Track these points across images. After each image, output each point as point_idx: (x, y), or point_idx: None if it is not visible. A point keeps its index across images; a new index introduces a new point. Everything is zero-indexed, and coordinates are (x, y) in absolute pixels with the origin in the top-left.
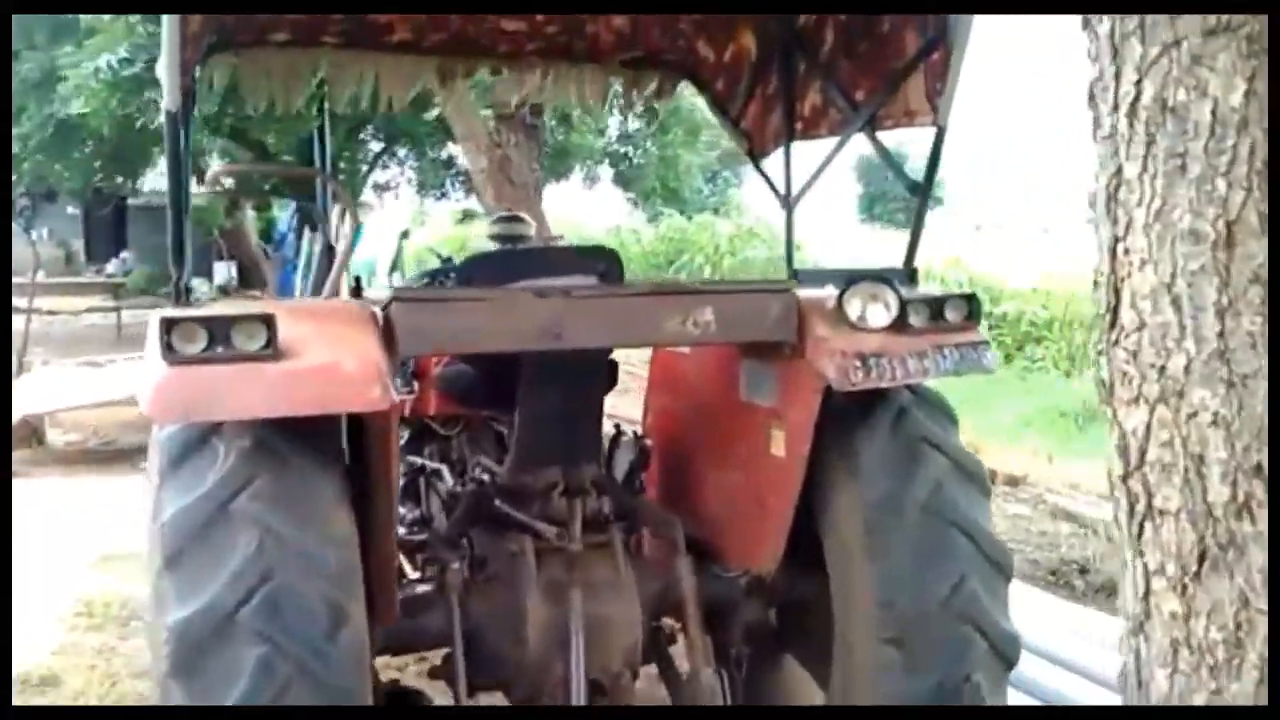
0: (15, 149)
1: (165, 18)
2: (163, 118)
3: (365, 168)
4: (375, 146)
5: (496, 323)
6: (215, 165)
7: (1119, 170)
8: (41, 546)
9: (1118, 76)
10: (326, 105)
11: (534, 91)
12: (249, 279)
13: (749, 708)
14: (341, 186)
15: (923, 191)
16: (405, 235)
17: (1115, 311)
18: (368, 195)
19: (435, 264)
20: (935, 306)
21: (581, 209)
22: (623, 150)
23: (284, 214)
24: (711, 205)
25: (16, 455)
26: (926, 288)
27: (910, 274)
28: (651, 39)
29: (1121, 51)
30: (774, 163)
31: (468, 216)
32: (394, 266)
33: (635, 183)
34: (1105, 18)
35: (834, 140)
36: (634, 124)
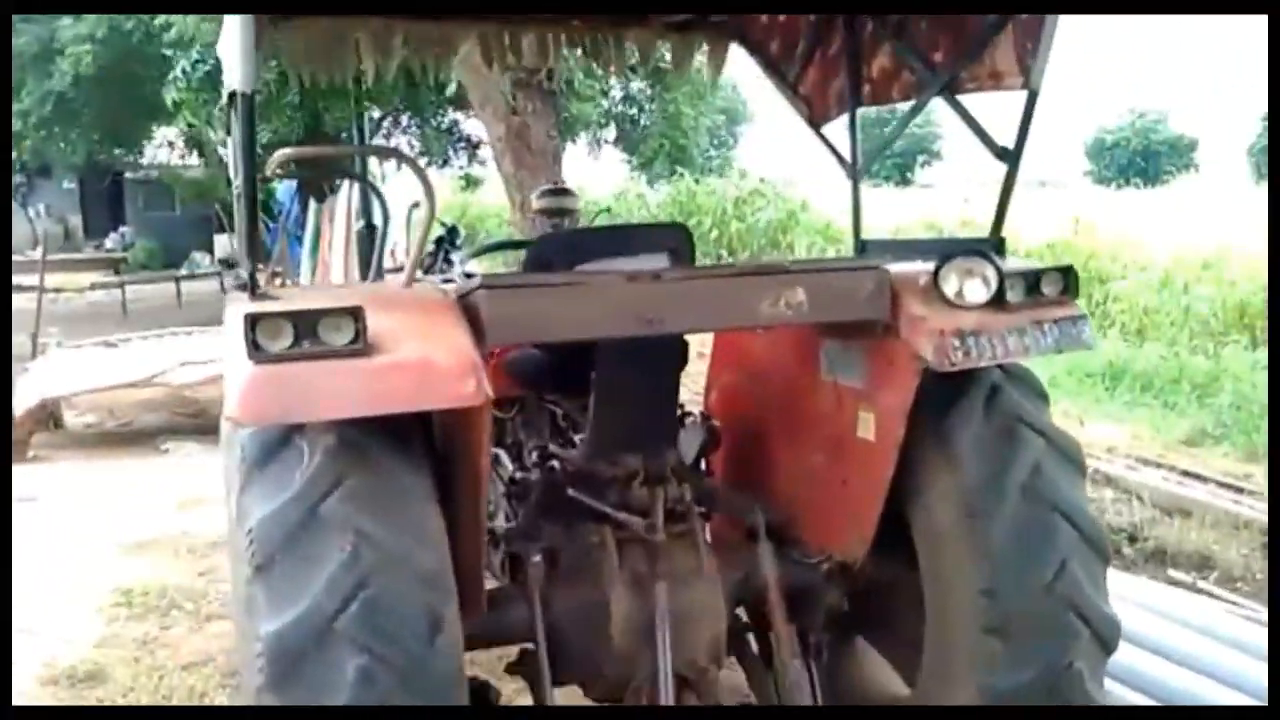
0: (15, 126)
1: None
2: (225, 100)
3: (371, 136)
4: (375, 114)
5: (586, 310)
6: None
7: None
8: (71, 534)
9: None
10: (366, 82)
11: (576, 59)
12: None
13: (770, 708)
14: (419, 165)
15: (1013, 159)
16: (416, 206)
17: None
18: (370, 164)
19: (439, 231)
20: (1032, 280)
21: (586, 173)
22: (627, 112)
23: (283, 186)
24: (714, 167)
25: (36, 439)
26: (1016, 260)
27: (998, 245)
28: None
29: None
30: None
31: (470, 183)
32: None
33: (640, 144)
34: None
35: None
36: (636, 85)
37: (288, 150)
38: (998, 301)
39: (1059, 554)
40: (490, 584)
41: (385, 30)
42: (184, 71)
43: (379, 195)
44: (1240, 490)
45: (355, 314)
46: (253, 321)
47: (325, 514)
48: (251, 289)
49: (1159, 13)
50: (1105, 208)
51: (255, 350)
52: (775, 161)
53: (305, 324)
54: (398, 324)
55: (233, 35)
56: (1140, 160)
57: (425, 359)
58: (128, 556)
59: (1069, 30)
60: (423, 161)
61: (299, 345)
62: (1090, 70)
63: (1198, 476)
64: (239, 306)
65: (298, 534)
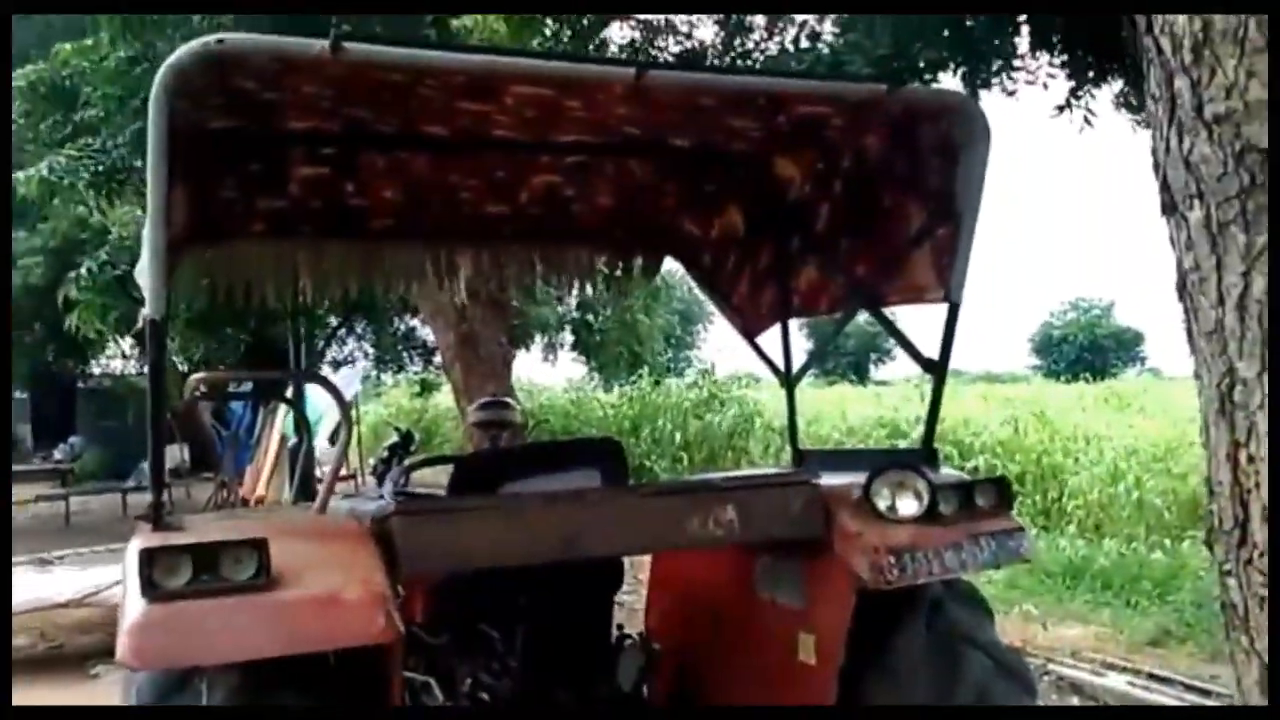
0: None
1: (149, 218)
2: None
3: (322, 343)
4: (332, 321)
5: (507, 535)
6: (195, 375)
7: (1231, 370)
8: None
9: (1219, 268)
10: (302, 298)
11: (515, 273)
12: (204, 460)
13: (751, 707)
14: (331, 386)
15: (939, 369)
16: (338, 430)
17: (1244, 528)
18: (324, 370)
19: (394, 439)
20: (966, 492)
21: (543, 374)
22: (583, 318)
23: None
24: (674, 367)
25: None
26: (949, 471)
27: (930, 454)
28: (636, 217)
29: (1222, 242)
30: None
31: (426, 388)
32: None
33: (597, 350)
34: (1196, 204)
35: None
36: (591, 290)
37: (202, 374)
38: (932, 515)
39: None
40: None
41: (320, 249)
42: (89, 271)
43: (301, 414)
44: (1208, 694)
45: (259, 546)
46: (148, 556)
47: None
48: (155, 519)
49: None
50: (1055, 402)
51: (150, 588)
52: (738, 358)
53: (205, 558)
54: (305, 555)
55: (145, 261)
56: (1087, 354)
57: (332, 594)
58: None
59: (1009, 223)
60: (377, 367)
61: (198, 580)
62: (1034, 262)
63: (1165, 679)
64: (138, 539)
65: None
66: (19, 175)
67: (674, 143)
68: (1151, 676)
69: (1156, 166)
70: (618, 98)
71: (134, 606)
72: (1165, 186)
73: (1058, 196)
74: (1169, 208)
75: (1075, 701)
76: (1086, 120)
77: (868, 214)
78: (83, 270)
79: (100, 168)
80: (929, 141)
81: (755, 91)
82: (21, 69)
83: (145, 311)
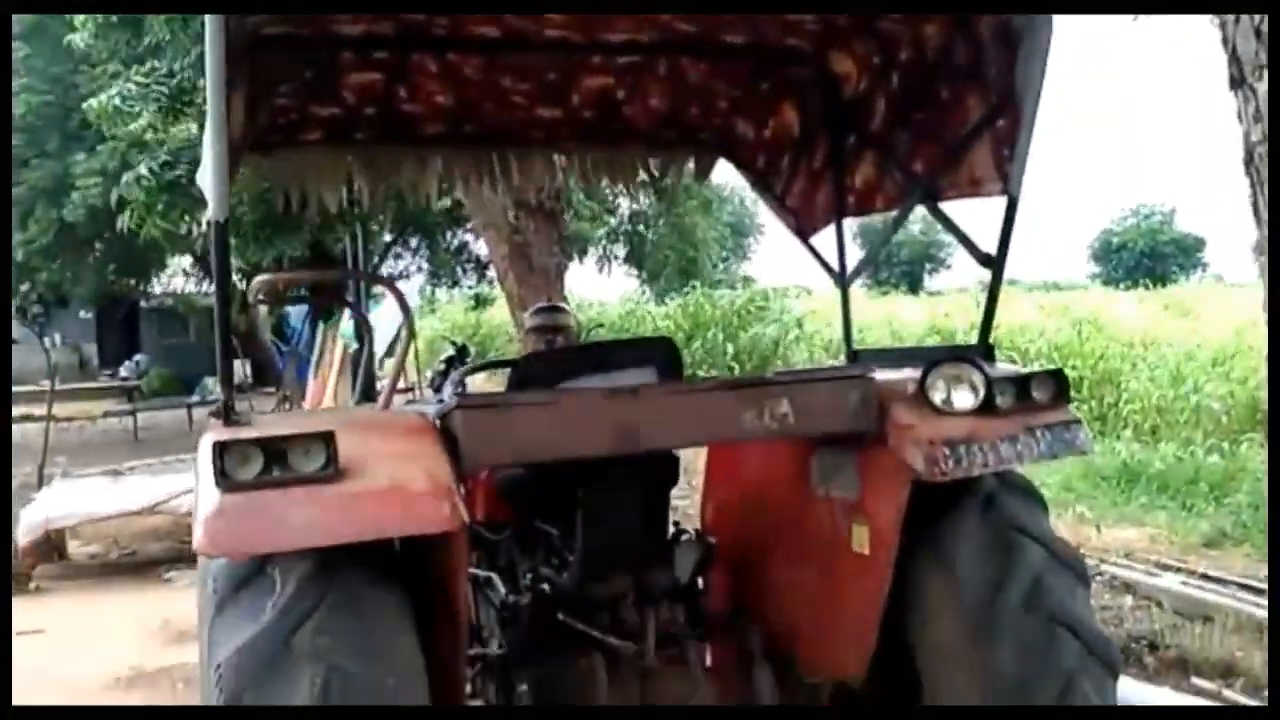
0: (25, 257)
1: (209, 124)
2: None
3: (377, 259)
4: (386, 237)
5: (565, 428)
6: (258, 277)
7: None
8: (75, 666)
9: None
10: (356, 208)
11: (567, 177)
12: (264, 376)
13: (771, 708)
14: (393, 285)
15: (996, 264)
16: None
17: None
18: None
19: (450, 351)
20: (1022, 385)
21: (596, 288)
22: (636, 228)
23: (296, 310)
24: (724, 281)
25: (39, 571)
26: (1005, 365)
27: (987, 350)
28: (688, 118)
29: None
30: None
31: (480, 302)
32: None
33: (648, 260)
34: (1264, 74)
35: None
36: (644, 200)
37: (267, 276)
38: (988, 408)
39: (1064, 669)
40: None
41: (374, 155)
42: (150, 170)
43: (362, 317)
44: (1263, 593)
45: (326, 439)
46: (221, 449)
47: (296, 647)
48: (225, 416)
49: (1158, 12)
50: (1115, 309)
51: (223, 479)
52: (788, 271)
53: (275, 450)
54: (372, 448)
55: (207, 163)
56: (1148, 261)
57: (398, 484)
58: (129, 690)
59: (1070, 131)
60: (433, 281)
61: (268, 473)
62: (1095, 170)
63: (1219, 580)
64: (210, 434)
65: (268, 668)
66: (91, 103)
67: (728, 40)
68: (1205, 577)
69: (1225, 41)
70: None
71: (208, 497)
72: (1234, 58)
73: (1119, 104)
74: (1237, 81)
75: (1128, 600)
76: None
77: (925, 107)
78: (142, 169)
79: (166, 90)
80: (989, 28)
81: None
82: None
83: (209, 213)
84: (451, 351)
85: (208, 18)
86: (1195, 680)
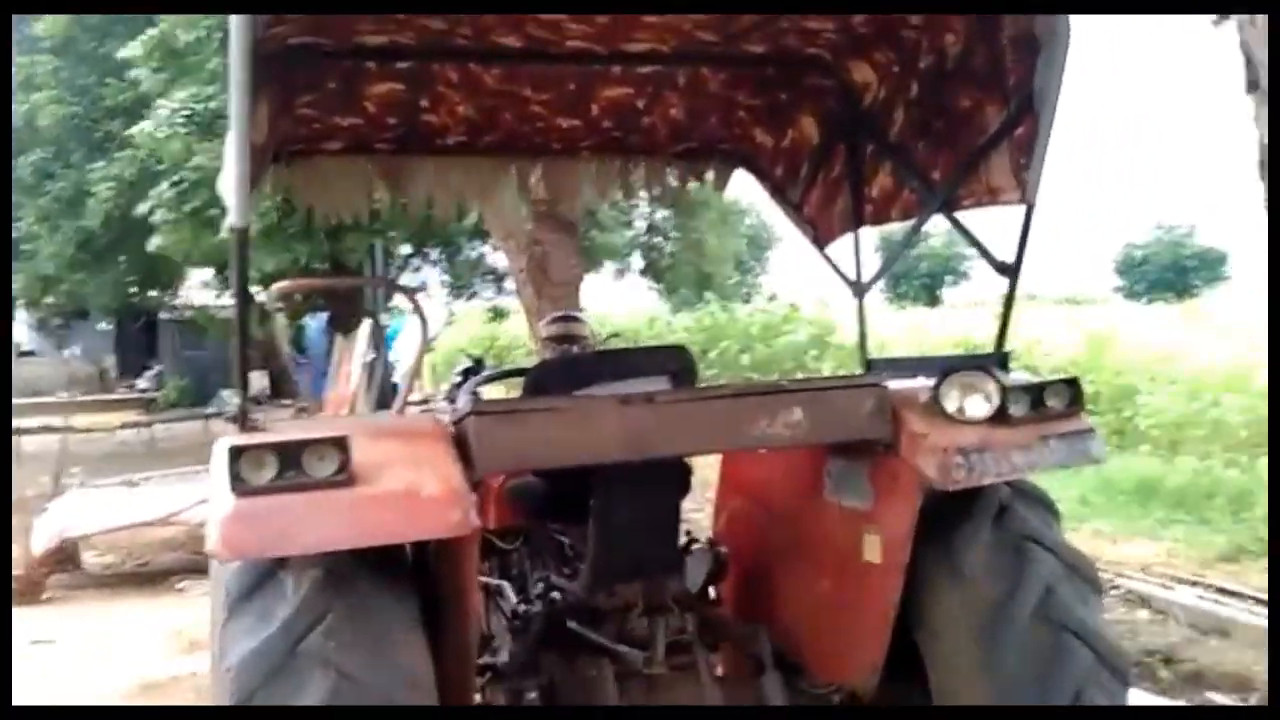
0: (49, 270)
1: (232, 130)
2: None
3: (397, 270)
4: (405, 249)
5: (578, 434)
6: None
7: None
8: (87, 676)
9: None
10: (376, 219)
11: (587, 188)
12: (281, 389)
13: (770, 708)
14: (415, 295)
15: (1013, 272)
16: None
17: None
18: (398, 299)
19: (466, 363)
20: (1036, 394)
21: (613, 301)
22: (652, 241)
23: (314, 322)
24: (740, 295)
25: (53, 580)
26: (1019, 373)
27: (1002, 359)
28: (707, 128)
29: None
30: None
31: (498, 315)
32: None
33: (666, 273)
34: None
35: None
36: (661, 213)
37: (285, 283)
38: (1001, 416)
39: (1075, 679)
40: None
41: (394, 166)
42: (177, 194)
43: (378, 325)
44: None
45: (340, 444)
46: (236, 453)
47: (306, 651)
48: (241, 422)
49: (1159, 12)
50: (1135, 323)
51: (237, 483)
52: (805, 284)
53: (289, 455)
54: (385, 453)
55: (228, 169)
56: (1170, 274)
57: (411, 489)
58: (140, 700)
59: (1089, 146)
60: (451, 294)
61: (282, 477)
62: (1118, 187)
63: (1235, 594)
64: (226, 439)
65: (277, 673)
66: (135, 130)
67: (748, 49)
68: (1221, 590)
69: (1242, 44)
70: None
71: (222, 501)
72: (1250, 63)
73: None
74: (1253, 85)
75: (1144, 614)
76: None
77: (944, 115)
78: (166, 192)
79: (204, 113)
80: (1009, 34)
81: None
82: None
83: (229, 220)
84: (468, 363)
85: (233, 20)
86: (1210, 694)
